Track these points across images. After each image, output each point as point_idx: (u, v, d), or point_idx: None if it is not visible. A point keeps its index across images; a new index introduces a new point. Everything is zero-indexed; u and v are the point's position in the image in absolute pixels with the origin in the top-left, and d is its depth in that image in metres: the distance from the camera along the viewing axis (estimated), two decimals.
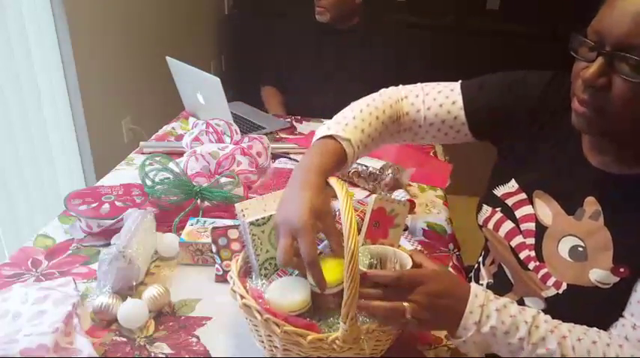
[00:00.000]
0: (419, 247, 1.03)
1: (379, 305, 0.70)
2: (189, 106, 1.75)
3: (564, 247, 0.83)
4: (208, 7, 3.42)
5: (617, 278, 0.76)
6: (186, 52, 2.71)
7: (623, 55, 0.66)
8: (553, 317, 0.75)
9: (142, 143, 1.50)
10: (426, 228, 1.20)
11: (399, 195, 1.25)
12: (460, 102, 0.94)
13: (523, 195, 0.90)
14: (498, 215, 0.93)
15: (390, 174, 1.28)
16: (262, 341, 0.78)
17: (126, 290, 0.91)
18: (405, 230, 1.07)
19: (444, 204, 1.31)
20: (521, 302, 0.88)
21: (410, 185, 1.35)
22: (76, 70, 2.01)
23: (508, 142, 0.94)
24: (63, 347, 0.78)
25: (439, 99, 0.96)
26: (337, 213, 0.93)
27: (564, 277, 0.82)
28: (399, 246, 0.92)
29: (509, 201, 0.91)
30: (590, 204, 0.81)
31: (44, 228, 1.11)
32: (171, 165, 1.14)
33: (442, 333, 0.89)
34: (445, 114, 0.95)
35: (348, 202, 0.69)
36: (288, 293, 0.79)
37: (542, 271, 0.85)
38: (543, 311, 0.75)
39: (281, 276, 0.85)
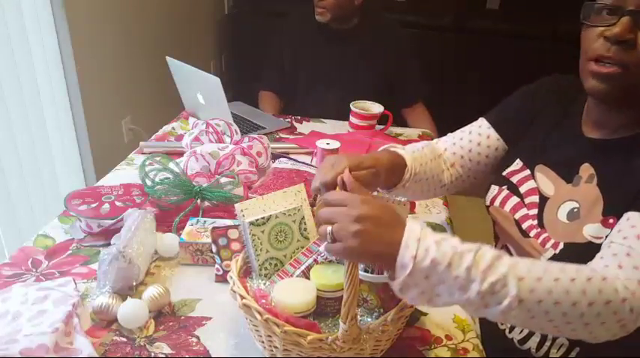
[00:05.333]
0: None
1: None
2: (189, 106, 1.75)
3: (563, 212, 0.88)
4: (208, 7, 3.42)
5: (608, 230, 0.80)
6: (186, 52, 2.72)
7: None
8: None
9: (142, 143, 1.50)
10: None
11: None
12: (486, 123, 1.05)
13: (527, 172, 0.96)
14: (505, 192, 0.99)
15: None
16: (262, 342, 0.78)
17: (126, 290, 0.91)
18: None
19: (444, 204, 1.31)
20: None
21: None
22: (76, 69, 2.01)
23: (519, 133, 1.02)
24: (63, 347, 0.78)
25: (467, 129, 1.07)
26: None
27: (561, 237, 0.86)
28: None
29: (514, 179, 0.98)
30: (585, 170, 0.87)
31: (44, 228, 1.11)
32: (171, 165, 1.14)
33: (442, 333, 0.89)
34: (477, 135, 1.05)
35: None
36: (295, 294, 0.79)
37: (543, 236, 0.89)
38: None
39: (281, 277, 0.86)
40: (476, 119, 1.07)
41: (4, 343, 0.75)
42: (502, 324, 0.99)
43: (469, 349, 0.87)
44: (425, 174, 0.97)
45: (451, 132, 1.16)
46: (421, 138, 1.72)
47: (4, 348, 0.74)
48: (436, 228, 1.20)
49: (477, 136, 1.04)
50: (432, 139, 1.71)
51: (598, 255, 0.76)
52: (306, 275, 0.85)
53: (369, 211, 0.66)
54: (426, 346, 0.86)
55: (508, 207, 0.97)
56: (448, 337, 0.89)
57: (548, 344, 0.93)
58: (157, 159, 1.17)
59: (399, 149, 0.95)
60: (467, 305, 0.66)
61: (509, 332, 0.98)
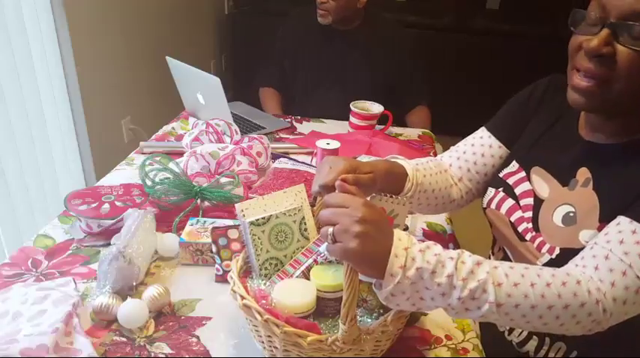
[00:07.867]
0: None
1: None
2: (189, 106, 1.75)
3: (558, 215, 0.87)
4: (208, 7, 3.42)
5: None
6: (186, 52, 2.72)
7: (628, 24, 0.70)
8: None
9: (141, 143, 1.50)
10: (426, 228, 1.20)
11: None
12: (487, 132, 1.05)
13: (522, 173, 0.95)
14: (500, 194, 0.98)
15: None
16: (262, 342, 0.78)
17: (126, 290, 0.91)
18: (405, 230, 1.07)
19: None
20: None
21: None
22: (76, 70, 2.01)
23: (517, 137, 1.01)
24: (63, 347, 0.78)
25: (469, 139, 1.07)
26: None
27: (557, 242, 0.85)
28: None
29: (510, 180, 0.97)
30: (582, 174, 0.86)
31: (44, 228, 1.11)
32: (171, 165, 1.14)
33: (442, 333, 0.89)
34: (479, 145, 1.05)
35: None
36: (295, 294, 0.79)
37: (538, 240, 0.89)
38: None
39: (281, 278, 0.86)
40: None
41: (4, 343, 0.75)
42: (501, 327, 0.99)
43: (469, 349, 0.87)
44: (431, 186, 0.97)
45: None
46: (421, 138, 1.72)
47: (4, 348, 0.74)
48: (436, 227, 1.20)
49: (480, 147, 1.04)
50: (433, 139, 1.73)
51: (579, 255, 0.77)
52: (306, 275, 0.85)
53: (370, 214, 0.66)
54: (426, 346, 0.86)
55: (504, 209, 0.96)
56: (448, 337, 0.89)
57: (546, 347, 0.93)
58: (157, 159, 1.17)
59: (400, 160, 0.96)
60: (449, 309, 0.69)
61: (508, 334, 0.98)
